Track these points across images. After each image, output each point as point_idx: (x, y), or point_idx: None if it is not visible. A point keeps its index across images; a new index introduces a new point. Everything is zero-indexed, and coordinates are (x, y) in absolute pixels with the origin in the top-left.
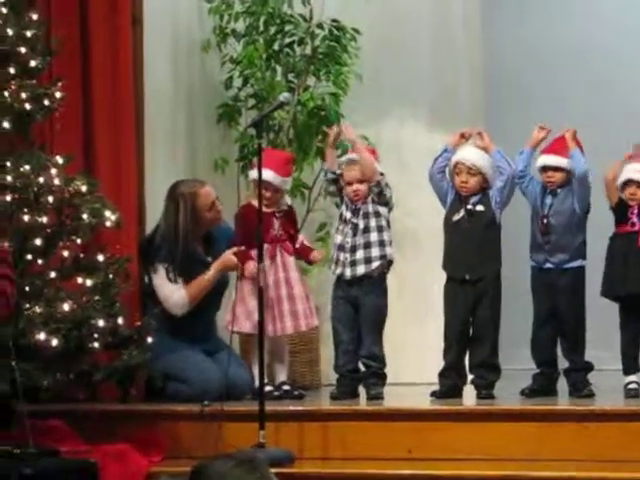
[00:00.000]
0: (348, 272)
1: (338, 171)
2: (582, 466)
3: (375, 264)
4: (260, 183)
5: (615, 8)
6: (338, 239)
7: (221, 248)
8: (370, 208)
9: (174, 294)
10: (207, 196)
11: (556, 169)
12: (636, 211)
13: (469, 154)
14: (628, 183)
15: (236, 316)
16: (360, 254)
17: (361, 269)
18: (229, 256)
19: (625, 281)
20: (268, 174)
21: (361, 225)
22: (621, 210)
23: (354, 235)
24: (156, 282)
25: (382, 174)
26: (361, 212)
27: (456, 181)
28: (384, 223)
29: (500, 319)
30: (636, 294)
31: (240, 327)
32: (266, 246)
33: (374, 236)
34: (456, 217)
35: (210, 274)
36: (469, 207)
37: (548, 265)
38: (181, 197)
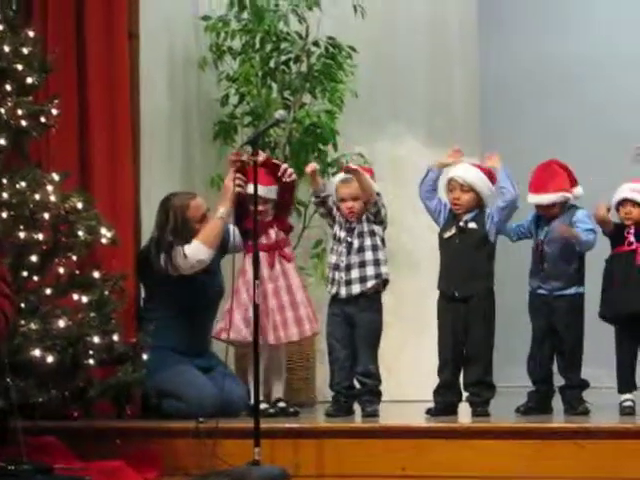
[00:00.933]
0: (343, 291)
1: (322, 194)
2: None
3: (370, 283)
4: (256, 199)
5: (609, 27)
6: (333, 259)
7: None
8: (365, 227)
9: (187, 249)
10: (197, 208)
11: (549, 207)
12: (632, 230)
13: (462, 171)
14: (623, 203)
15: (233, 323)
16: (355, 273)
17: (356, 288)
18: (227, 183)
19: (627, 301)
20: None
21: (356, 244)
22: (617, 232)
23: (348, 254)
24: (169, 259)
25: (379, 194)
26: (356, 231)
27: (449, 197)
28: (379, 242)
29: (494, 337)
30: (637, 313)
31: (237, 335)
32: (264, 254)
33: (369, 255)
34: (447, 234)
35: (220, 211)
36: (461, 224)
37: (541, 291)
38: (172, 209)
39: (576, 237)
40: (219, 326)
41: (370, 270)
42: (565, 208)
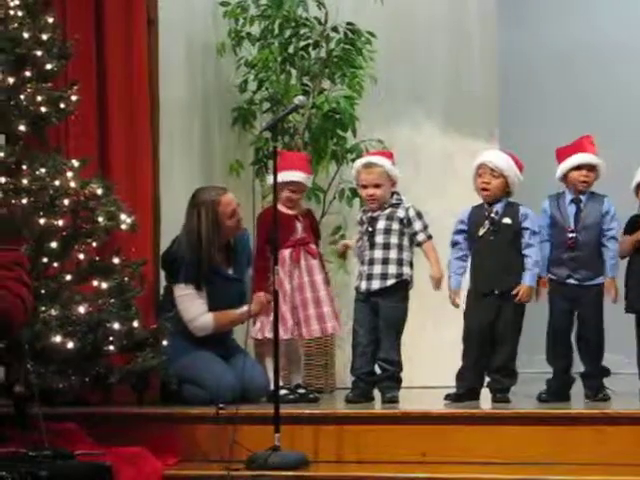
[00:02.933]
0: (364, 285)
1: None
2: (598, 470)
3: (390, 282)
4: (275, 186)
5: (635, 6)
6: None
7: (241, 258)
8: (394, 225)
9: (200, 318)
10: (228, 204)
11: (591, 168)
12: None
13: (494, 157)
14: None
15: (263, 323)
16: (377, 269)
17: (376, 284)
18: (261, 298)
19: None
20: (298, 175)
21: (380, 240)
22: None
23: (372, 248)
24: (181, 303)
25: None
26: (379, 225)
27: (477, 182)
28: (405, 242)
29: (522, 325)
30: None
31: (267, 334)
32: (290, 250)
33: (393, 253)
34: (482, 231)
35: (244, 310)
36: (493, 217)
37: (571, 281)
38: (203, 205)
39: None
40: (255, 327)
41: (392, 269)
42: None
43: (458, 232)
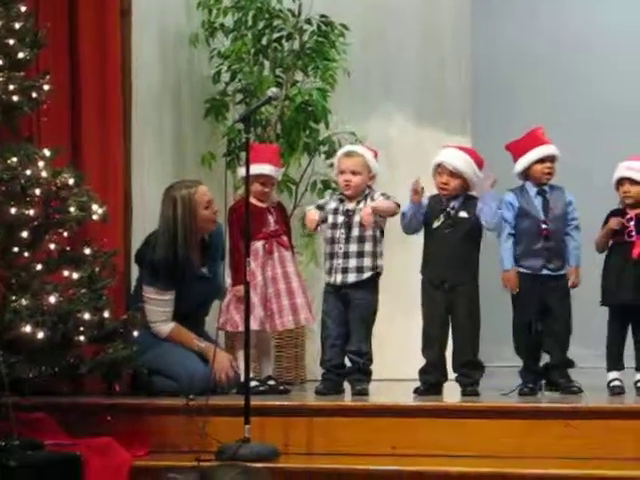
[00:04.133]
0: (339, 278)
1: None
2: (566, 463)
3: (366, 275)
4: (248, 178)
5: (603, 7)
6: (328, 248)
7: (216, 254)
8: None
9: (157, 324)
10: (204, 194)
11: (552, 159)
12: (633, 222)
13: (452, 157)
14: (621, 182)
15: (231, 315)
16: (353, 262)
17: (352, 277)
18: (222, 367)
19: (619, 292)
20: (267, 168)
21: (356, 232)
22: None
23: (347, 242)
24: (146, 303)
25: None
26: (355, 219)
27: (436, 181)
28: (379, 234)
29: (480, 316)
30: (628, 304)
31: (236, 326)
32: (263, 242)
33: (368, 246)
34: (436, 223)
35: (200, 345)
36: (449, 211)
37: (546, 271)
38: (179, 198)
39: None
40: (222, 318)
41: (367, 262)
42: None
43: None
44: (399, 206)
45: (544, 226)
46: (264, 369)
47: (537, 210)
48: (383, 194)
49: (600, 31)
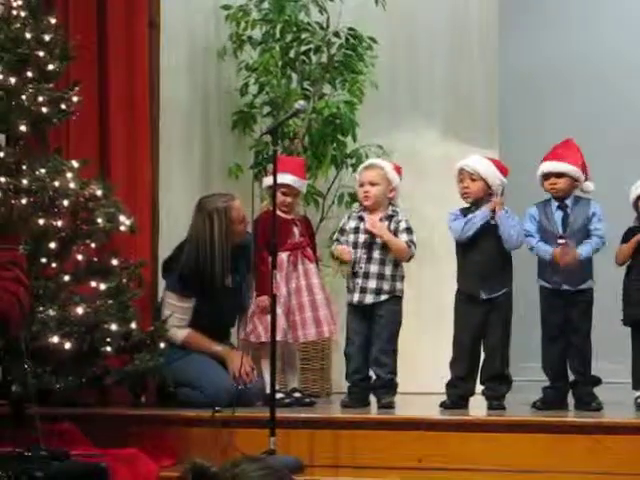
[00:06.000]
0: (357, 298)
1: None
2: (593, 478)
3: (384, 297)
4: (275, 189)
5: (635, 18)
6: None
7: (242, 265)
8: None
9: (174, 330)
10: (239, 209)
11: (559, 175)
12: None
13: (472, 161)
14: None
15: (254, 326)
16: (372, 283)
17: (370, 298)
18: (238, 367)
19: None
20: (288, 178)
21: (377, 255)
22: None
23: (368, 262)
24: (165, 308)
25: (411, 244)
26: (380, 242)
27: (459, 188)
28: None
29: (511, 332)
30: None
31: (259, 337)
32: (287, 254)
33: (389, 270)
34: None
35: (216, 348)
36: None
37: (565, 287)
38: (215, 212)
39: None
40: (247, 329)
41: (386, 285)
42: (572, 193)
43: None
44: (409, 247)
45: (561, 241)
46: (290, 381)
47: (556, 225)
48: (408, 229)
49: (632, 43)
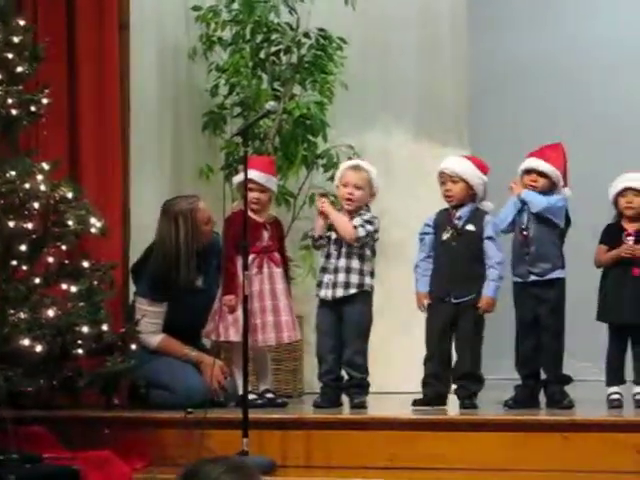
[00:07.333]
0: (329, 293)
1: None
2: (564, 476)
3: (352, 290)
4: (246, 190)
5: (601, 19)
6: (322, 261)
7: (211, 266)
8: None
9: (148, 336)
10: (204, 210)
11: (541, 174)
12: (632, 237)
13: (451, 163)
14: (624, 192)
15: (216, 325)
16: (342, 277)
17: (340, 292)
18: (210, 370)
19: (619, 311)
20: (252, 173)
21: (345, 249)
22: (615, 235)
23: (338, 257)
24: (137, 313)
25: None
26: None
27: (441, 190)
28: (368, 252)
29: (483, 330)
30: (628, 324)
31: (219, 336)
32: (253, 256)
33: (355, 263)
34: (445, 236)
35: (190, 354)
36: (456, 222)
37: (533, 277)
38: (180, 214)
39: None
40: (208, 327)
41: (354, 279)
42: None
43: (423, 234)
44: (355, 229)
45: (525, 233)
46: (262, 382)
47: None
48: (365, 219)
49: (597, 42)
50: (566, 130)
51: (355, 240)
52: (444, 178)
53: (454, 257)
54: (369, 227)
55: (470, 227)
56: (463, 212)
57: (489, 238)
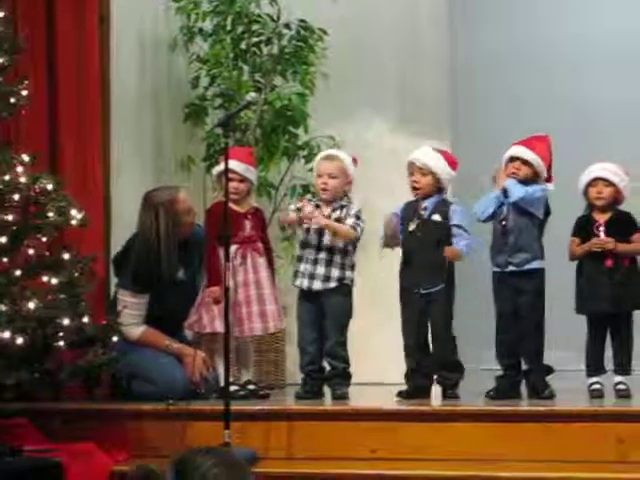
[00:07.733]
0: (305, 283)
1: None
2: (546, 466)
3: (333, 284)
4: (227, 180)
5: (577, 16)
6: (299, 251)
7: (193, 258)
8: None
9: (130, 328)
10: (185, 201)
11: (525, 162)
12: (603, 229)
13: (421, 154)
14: (594, 182)
15: (200, 316)
16: (321, 270)
17: (318, 284)
18: (192, 362)
19: (595, 301)
20: (231, 163)
21: (326, 241)
22: (586, 226)
23: (318, 250)
24: (119, 305)
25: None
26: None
27: (409, 181)
28: (350, 247)
29: (452, 317)
30: (605, 312)
31: (203, 328)
32: (237, 246)
33: (337, 257)
34: (411, 227)
35: (172, 346)
36: (421, 213)
37: (511, 267)
38: (160, 205)
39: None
40: (191, 319)
41: (335, 272)
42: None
43: None
44: (354, 229)
45: (503, 223)
46: (244, 373)
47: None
48: (358, 216)
49: (573, 39)
50: (546, 123)
51: (357, 240)
52: (413, 169)
53: (421, 247)
54: (362, 224)
55: (436, 217)
56: (429, 202)
57: (456, 226)
